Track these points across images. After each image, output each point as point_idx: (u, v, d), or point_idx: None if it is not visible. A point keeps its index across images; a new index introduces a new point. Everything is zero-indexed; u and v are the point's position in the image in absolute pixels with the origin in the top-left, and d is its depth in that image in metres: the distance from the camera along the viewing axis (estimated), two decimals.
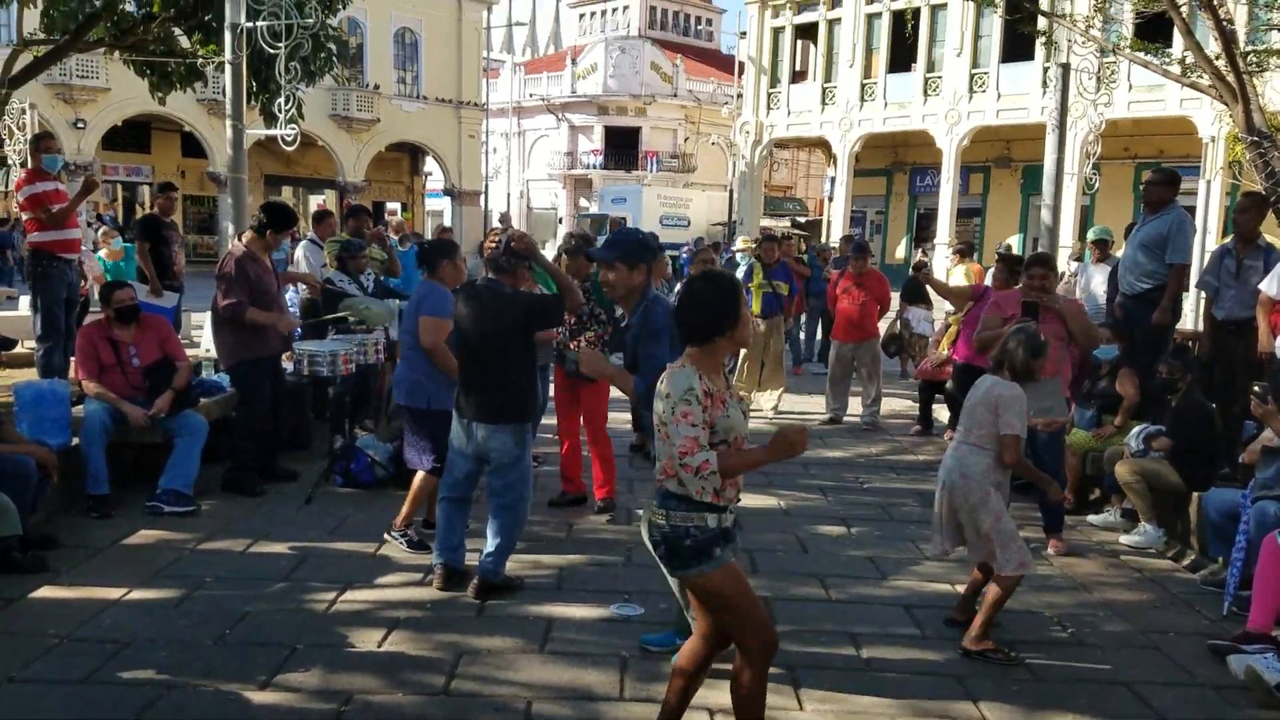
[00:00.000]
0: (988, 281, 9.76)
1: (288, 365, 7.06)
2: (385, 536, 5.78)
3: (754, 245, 11.61)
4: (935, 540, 4.90)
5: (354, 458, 6.84)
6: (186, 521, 6.01)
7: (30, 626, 4.48)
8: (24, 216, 7.92)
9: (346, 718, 3.78)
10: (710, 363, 3.28)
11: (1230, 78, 8.43)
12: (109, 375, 6.28)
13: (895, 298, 11.45)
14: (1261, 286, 6.65)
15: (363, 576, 5.25)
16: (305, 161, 35.02)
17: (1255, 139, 8.24)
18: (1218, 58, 8.59)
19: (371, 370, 7.28)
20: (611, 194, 38.32)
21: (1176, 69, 10.43)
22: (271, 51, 9.54)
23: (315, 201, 38.40)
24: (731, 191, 38.23)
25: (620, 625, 4.77)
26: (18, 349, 6.35)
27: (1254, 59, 9.62)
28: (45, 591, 4.88)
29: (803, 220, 45.98)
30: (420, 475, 5.71)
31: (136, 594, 4.88)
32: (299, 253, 9.52)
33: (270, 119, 10.95)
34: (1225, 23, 8.42)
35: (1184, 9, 9.40)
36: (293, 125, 10.62)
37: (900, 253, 25.30)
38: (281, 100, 10.28)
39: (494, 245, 7.96)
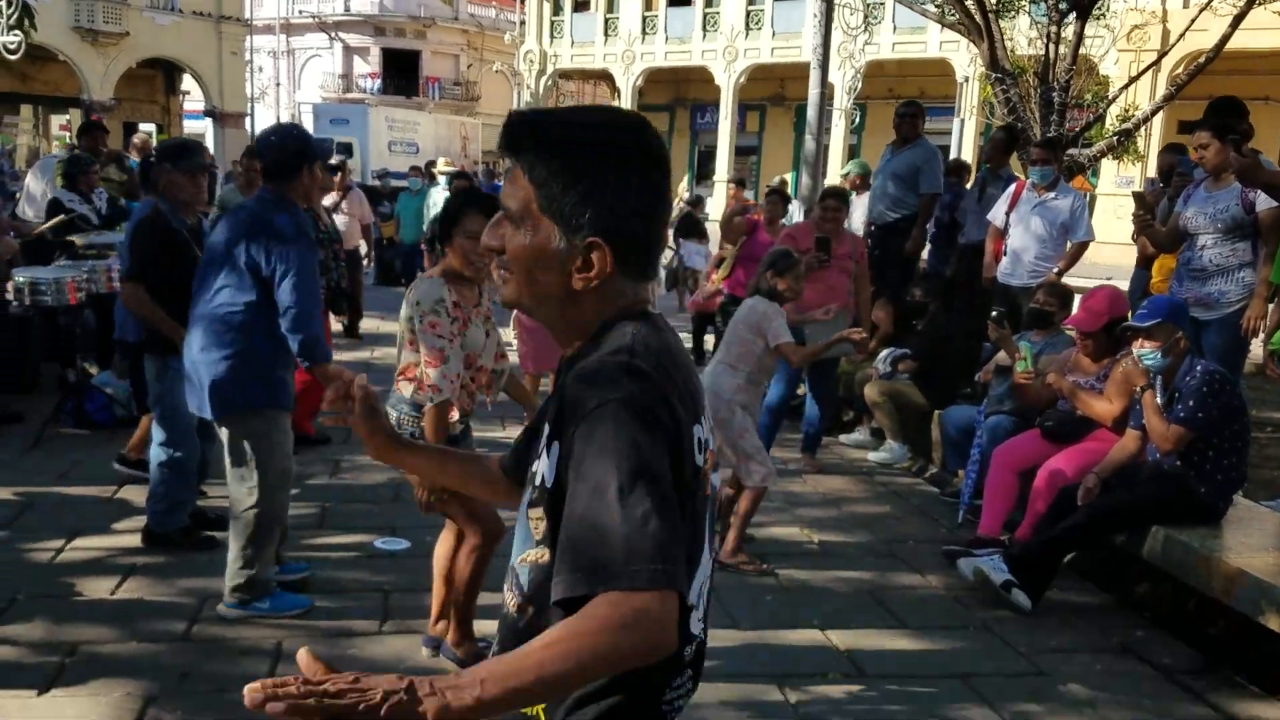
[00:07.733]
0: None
1: (8, 294, 6.41)
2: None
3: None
4: None
5: (88, 396, 6.30)
6: None
7: None
8: None
9: (71, 669, 3.49)
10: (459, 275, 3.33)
11: (977, 17, 8.96)
12: None
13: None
14: (989, 215, 6.95)
15: (96, 523, 4.86)
16: (44, 78, 31.74)
17: (999, 75, 8.84)
18: None
19: (107, 300, 6.69)
20: (330, 114, 32.35)
21: (934, 10, 11.01)
22: None
23: (58, 122, 35.11)
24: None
25: (383, 560, 4.65)
26: None
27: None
28: None
29: None
30: None
31: None
32: (30, 174, 8.65)
33: None
34: None
35: None
36: (17, 32, 9.58)
37: (682, 189, 25.79)
38: (2, 3, 9.26)
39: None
